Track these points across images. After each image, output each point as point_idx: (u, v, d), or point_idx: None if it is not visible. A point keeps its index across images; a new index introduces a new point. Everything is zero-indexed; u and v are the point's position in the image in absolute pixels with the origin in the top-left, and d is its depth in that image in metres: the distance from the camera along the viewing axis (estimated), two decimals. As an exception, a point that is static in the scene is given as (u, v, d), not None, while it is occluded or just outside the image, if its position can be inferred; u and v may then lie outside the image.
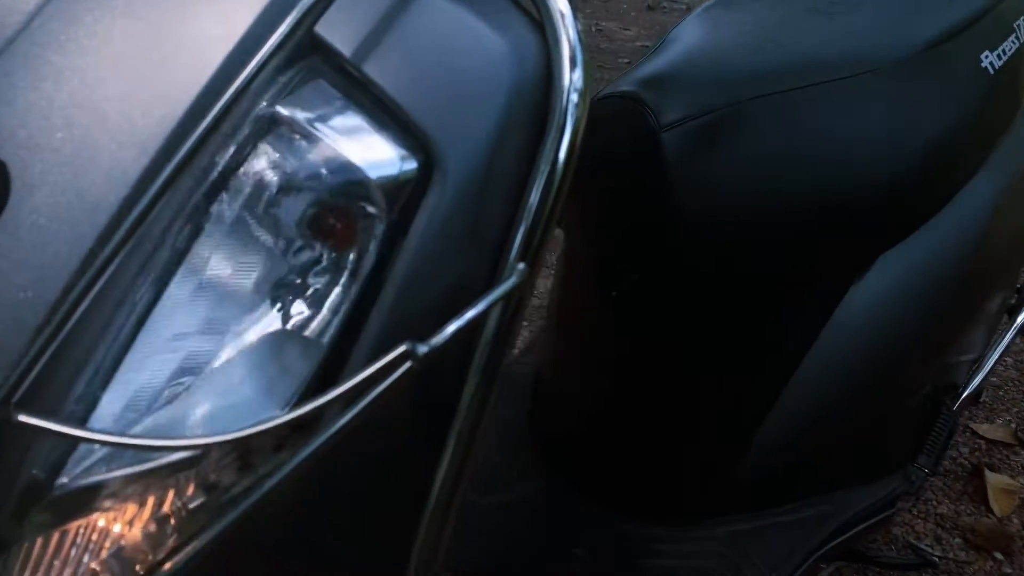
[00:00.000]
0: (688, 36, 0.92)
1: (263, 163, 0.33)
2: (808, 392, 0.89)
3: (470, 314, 0.32)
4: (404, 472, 0.36)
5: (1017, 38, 0.94)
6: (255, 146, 0.33)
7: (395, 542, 0.36)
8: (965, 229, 0.89)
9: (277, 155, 0.33)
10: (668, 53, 0.87)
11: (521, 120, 0.35)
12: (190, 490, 0.31)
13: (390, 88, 0.34)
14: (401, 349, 0.31)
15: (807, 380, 0.89)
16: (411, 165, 0.34)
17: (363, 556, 0.37)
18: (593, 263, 0.89)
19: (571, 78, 0.34)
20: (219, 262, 0.33)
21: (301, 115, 0.33)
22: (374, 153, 0.34)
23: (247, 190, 0.33)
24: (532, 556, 0.90)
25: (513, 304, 0.35)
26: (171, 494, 0.31)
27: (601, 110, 0.78)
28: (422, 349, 0.31)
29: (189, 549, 0.31)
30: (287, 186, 0.33)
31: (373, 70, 0.34)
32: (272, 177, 0.33)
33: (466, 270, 0.35)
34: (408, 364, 0.31)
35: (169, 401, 0.32)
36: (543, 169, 0.35)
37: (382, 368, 0.31)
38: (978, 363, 1.07)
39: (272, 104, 0.33)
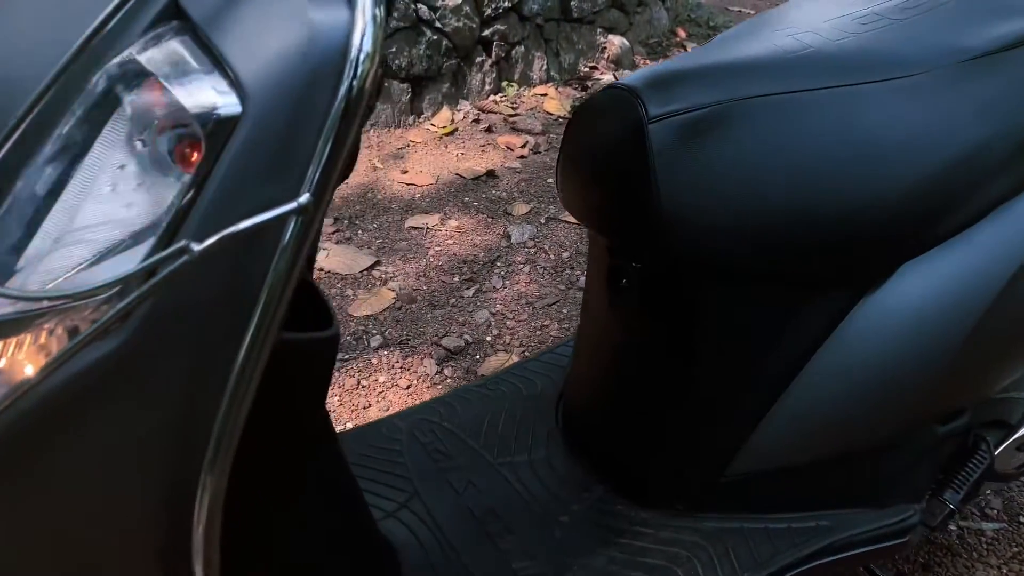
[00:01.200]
0: (727, 36, 0.93)
1: (128, 100, 0.44)
2: (811, 399, 0.88)
3: (244, 224, 0.41)
4: (211, 359, 0.46)
5: None
6: (122, 87, 0.44)
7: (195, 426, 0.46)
8: (1004, 248, 0.83)
9: (135, 95, 0.44)
10: (694, 52, 0.89)
11: (323, 78, 0.44)
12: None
13: (227, 50, 0.44)
14: (179, 245, 0.41)
15: (810, 386, 0.87)
16: (234, 110, 0.44)
17: (167, 433, 0.47)
18: (604, 252, 0.93)
19: (361, 44, 0.43)
20: (85, 179, 0.45)
21: (157, 64, 0.44)
22: (207, 98, 0.44)
23: (114, 121, 0.44)
24: (518, 515, 0.97)
25: (299, 226, 0.44)
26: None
27: (602, 100, 0.83)
28: (196, 247, 0.40)
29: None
30: (143, 118, 0.44)
31: (216, 34, 0.45)
32: (131, 111, 0.44)
33: (273, 195, 0.44)
34: (184, 258, 0.40)
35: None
36: (333, 118, 0.43)
37: (165, 259, 0.41)
38: None
39: (139, 54, 0.44)
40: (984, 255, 0.86)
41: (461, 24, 3.52)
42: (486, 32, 3.67)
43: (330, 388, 1.82)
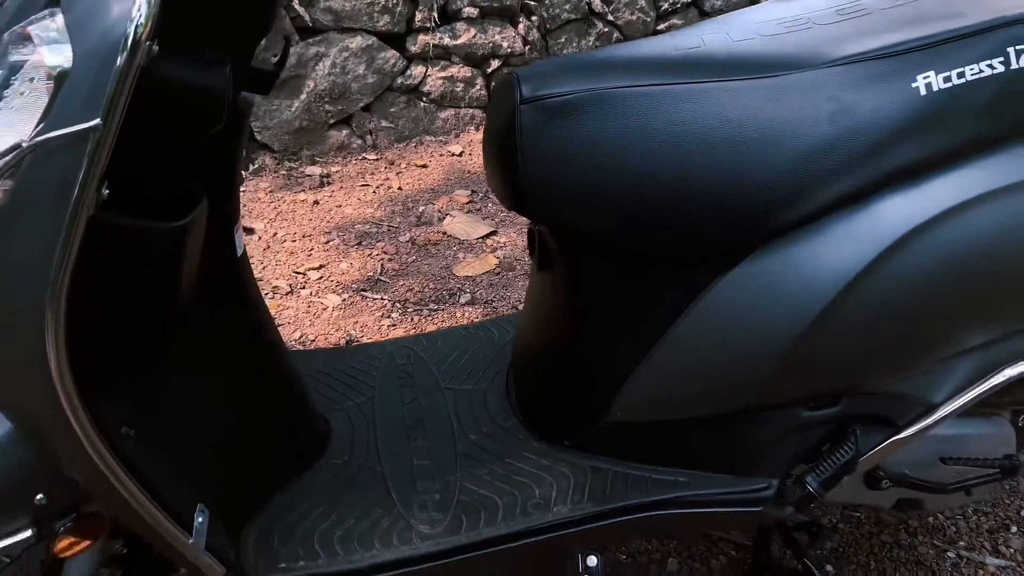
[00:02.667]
0: (650, 36, 1.04)
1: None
2: (670, 364, 0.99)
3: (55, 133, 0.64)
4: (44, 230, 0.68)
5: (1005, 63, 0.86)
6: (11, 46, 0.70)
7: None
8: (852, 245, 0.88)
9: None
10: (603, 48, 1.01)
11: (117, 27, 0.65)
12: None
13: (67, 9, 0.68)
14: (17, 141, 0.65)
15: (669, 352, 0.98)
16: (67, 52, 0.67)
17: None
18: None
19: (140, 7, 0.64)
20: None
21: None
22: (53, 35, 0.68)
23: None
24: (438, 428, 1.16)
25: (94, 141, 0.65)
26: None
27: (498, 83, 0.99)
28: (26, 143, 0.64)
29: None
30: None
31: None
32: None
33: (82, 117, 0.66)
34: (19, 149, 0.65)
35: None
36: (122, 59, 0.65)
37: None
38: (927, 411, 0.98)
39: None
40: (832, 249, 0.89)
41: (635, 17, 3.63)
42: (661, 27, 3.74)
43: (412, 328, 2.11)
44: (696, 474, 1.03)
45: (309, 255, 2.51)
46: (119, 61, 0.63)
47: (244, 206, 2.84)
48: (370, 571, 0.95)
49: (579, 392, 1.06)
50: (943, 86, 0.87)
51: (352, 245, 2.54)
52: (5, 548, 0.88)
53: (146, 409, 0.84)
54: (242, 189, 2.94)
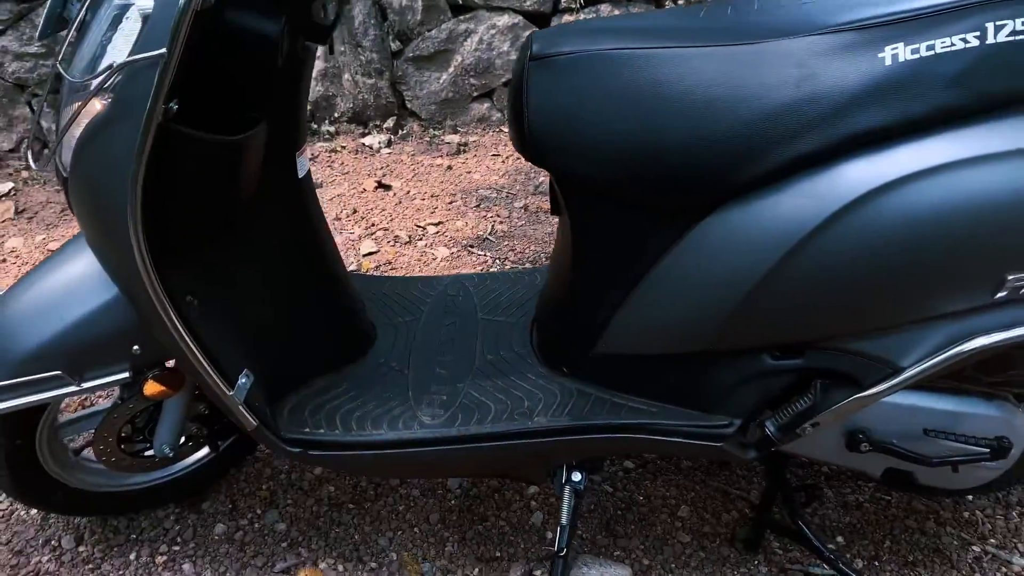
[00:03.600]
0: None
1: None
2: (648, 302, 1.10)
3: (134, 57, 0.88)
4: (132, 131, 0.91)
5: (981, 38, 0.90)
6: None
7: None
8: (806, 206, 0.95)
9: None
10: (621, 15, 1.12)
11: None
12: None
13: None
14: (113, 61, 0.89)
15: (648, 291, 1.09)
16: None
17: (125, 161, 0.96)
18: None
19: None
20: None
21: None
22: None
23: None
24: (463, 347, 1.34)
25: (162, 66, 0.88)
26: None
27: (524, 41, 1.13)
28: (117, 62, 0.88)
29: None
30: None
31: None
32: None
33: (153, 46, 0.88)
34: (115, 64, 0.88)
35: None
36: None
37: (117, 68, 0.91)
38: (893, 374, 1.01)
39: None
40: (791, 206, 0.95)
41: None
42: None
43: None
44: (666, 406, 1.14)
45: (432, 212, 2.76)
46: (179, 3, 0.85)
47: (387, 166, 3.15)
48: (373, 446, 1.15)
49: (576, 325, 1.19)
50: (909, 57, 0.91)
51: (471, 207, 2.76)
52: (112, 382, 1.16)
53: (209, 285, 1.07)
54: (388, 151, 3.26)
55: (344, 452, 1.14)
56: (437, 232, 2.62)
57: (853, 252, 0.95)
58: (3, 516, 1.50)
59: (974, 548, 1.41)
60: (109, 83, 0.89)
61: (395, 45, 3.32)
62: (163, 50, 0.84)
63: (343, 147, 3.31)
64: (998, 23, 0.90)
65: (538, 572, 1.36)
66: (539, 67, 1.04)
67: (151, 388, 1.17)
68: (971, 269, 0.95)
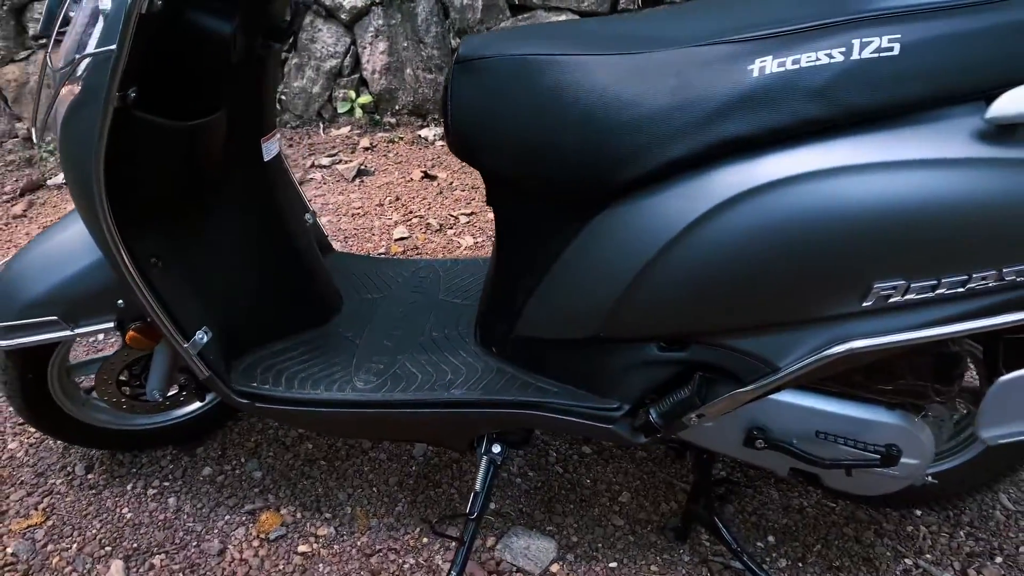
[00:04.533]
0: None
1: None
2: (551, 291, 1.18)
3: (97, 50, 1.04)
4: (97, 112, 1.08)
5: (846, 53, 0.94)
6: None
7: None
8: (677, 209, 1.01)
9: None
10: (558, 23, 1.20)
11: None
12: None
13: None
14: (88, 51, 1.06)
15: (552, 281, 1.18)
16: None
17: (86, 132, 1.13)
18: None
19: None
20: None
21: None
22: None
23: None
24: (415, 323, 1.45)
25: (114, 59, 1.03)
26: None
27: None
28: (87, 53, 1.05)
29: None
30: None
31: None
32: None
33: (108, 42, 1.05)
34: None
35: None
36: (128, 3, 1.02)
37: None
38: (773, 373, 1.06)
39: None
40: (666, 206, 1.00)
41: None
42: None
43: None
44: (567, 388, 1.22)
45: (468, 204, 2.89)
46: (125, 5, 1.00)
47: (437, 158, 3.30)
48: (309, 403, 1.28)
49: (501, 309, 1.29)
50: (775, 70, 0.96)
51: (505, 199, 2.87)
52: (99, 330, 1.35)
53: (174, 250, 1.24)
54: (441, 144, 3.40)
55: (284, 407, 1.29)
56: (467, 222, 2.75)
57: (721, 252, 1.00)
58: (34, 444, 1.74)
59: (906, 560, 1.41)
60: (79, 72, 1.06)
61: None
62: (113, 46, 1.00)
63: (400, 138, 3.49)
64: (864, 40, 0.94)
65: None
66: (462, 70, 1.14)
67: (132, 337, 1.35)
68: (837, 276, 0.98)
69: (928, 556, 1.42)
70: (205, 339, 1.27)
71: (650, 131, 1.02)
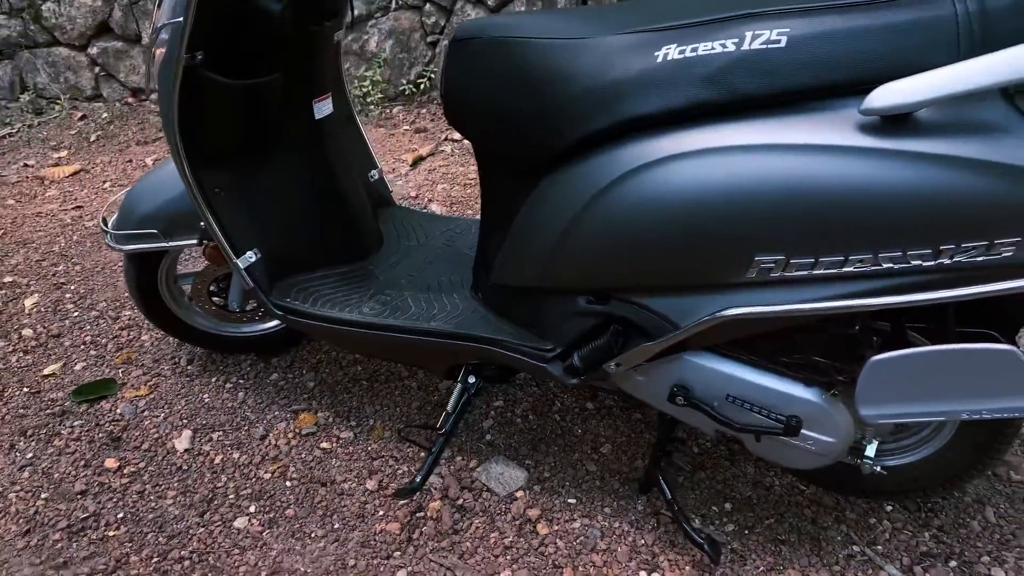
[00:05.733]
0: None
1: None
2: (510, 241, 1.37)
3: (174, 20, 1.35)
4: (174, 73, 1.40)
5: (738, 44, 1.05)
6: None
7: None
8: (594, 175, 1.16)
9: None
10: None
11: None
12: None
13: None
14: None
15: (511, 232, 1.36)
16: None
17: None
18: None
19: None
20: None
21: None
22: None
23: None
24: (431, 270, 1.68)
25: (180, 29, 1.34)
26: None
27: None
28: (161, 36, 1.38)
29: None
30: None
31: None
32: None
33: (176, 18, 1.37)
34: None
35: None
36: None
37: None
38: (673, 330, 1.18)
39: None
40: (584, 174, 1.13)
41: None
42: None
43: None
44: (520, 329, 1.40)
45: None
46: None
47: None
48: (324, 319, 1.56)
49: (483, 261, 1.49)
50: (676, 57, 1.08)
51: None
52: (185, 244, 1.71)
53: (234, 184, 1.56)
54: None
55: (307, 320, 1.57)
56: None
57: (625, 216, 1.14)
58: (159, 339, 2.18)
59: (854, 547, 1.44)
60: (164, 37, 1.40)
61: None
62: (180, 19, 1.32)
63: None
64: (756, 32, 1.04)
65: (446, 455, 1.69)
66: (453, 47, 1.34)
67: (209, 253, 1.70)
68: (723, 246, 1.08)
69: (879, 547, 1.44)
70: (253, 259, 1.58)
71: (578, 106, 1.17)
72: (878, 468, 1.36)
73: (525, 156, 1.28)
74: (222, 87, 1.45)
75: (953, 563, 1.40)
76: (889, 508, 1.52)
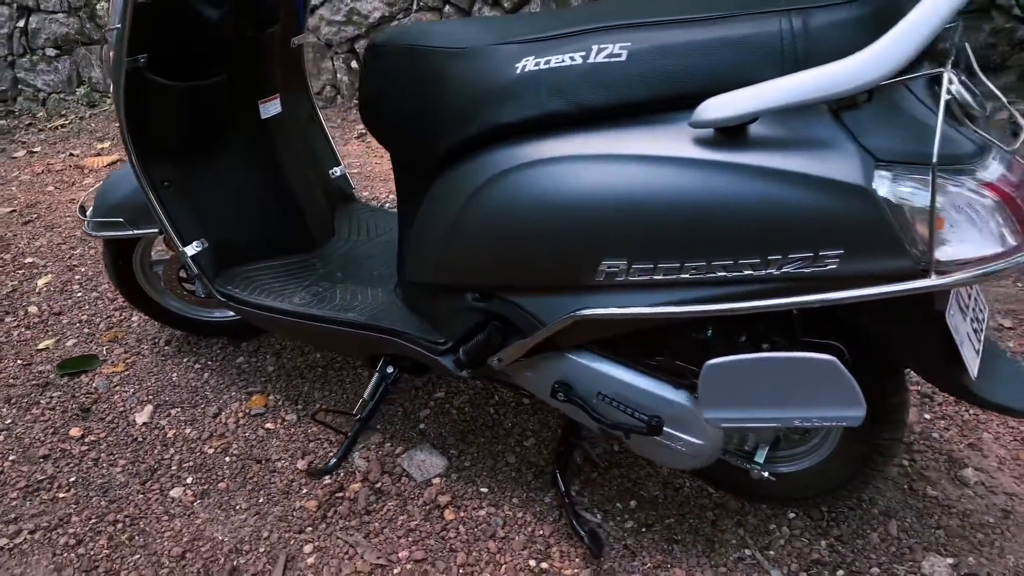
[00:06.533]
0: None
1: None
2: (412, 244, 1.44)
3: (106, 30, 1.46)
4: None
5: (585, 57, 1.10)
6: None
7: None
8: (471, 178, 1.22)
9: None
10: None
11: None
12: None
13: None
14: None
15: (414, 237, 1.43)
16: None
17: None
18: None
19: None
20: None
21: None
22: None
23: None
24: (372, 263, 1.77)
25: (120, 34, 1.46)
26: None
27: None
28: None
29: None
30: None
31: None
32: None
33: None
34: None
35: None
36: None
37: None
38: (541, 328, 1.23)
39: None
40: (462, 177, 1.20)
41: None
42: (1087, 26, 3.11)
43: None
44: (423, 323, 1.47)
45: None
46: None
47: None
48: (257, 307, 1.66)
49: (399, 258, 1.57)
50: (531, 68, 1.13)
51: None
52: (148, 233, 1.84)
53: (182, 178, 1.68)
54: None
55: (245, 307, 1.68)
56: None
57: (490, 219, 1.20)
58: (146, 321, 2.34)
59: (746, 551, 1.46)
60: (111, 40, 1.52)
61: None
62: (118, 25, 1.44)
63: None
64: (601, 46, 1.09)
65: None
66: (370, 55, 1.43)
67: (167, 241, 1.83)
68: (574, 250, 1.13)
69: (771, 552, 1.46)
70: (200, 248, 1.70)
71: (452, 112, 1.24)
72: (766, 474, 1.38)
73: (422, 159, 1.35)
74: (166, 88, 1.56)
75: (841, 572, 1.41)
76: (792, 515, 1.53)
